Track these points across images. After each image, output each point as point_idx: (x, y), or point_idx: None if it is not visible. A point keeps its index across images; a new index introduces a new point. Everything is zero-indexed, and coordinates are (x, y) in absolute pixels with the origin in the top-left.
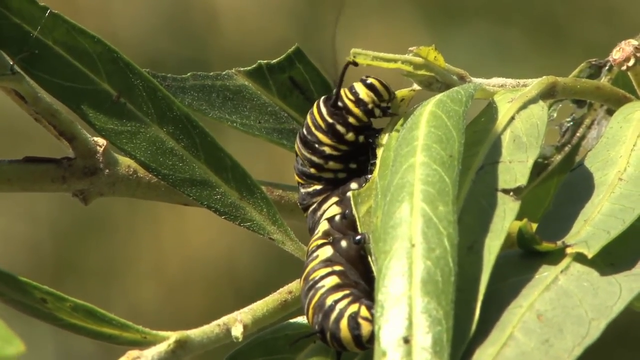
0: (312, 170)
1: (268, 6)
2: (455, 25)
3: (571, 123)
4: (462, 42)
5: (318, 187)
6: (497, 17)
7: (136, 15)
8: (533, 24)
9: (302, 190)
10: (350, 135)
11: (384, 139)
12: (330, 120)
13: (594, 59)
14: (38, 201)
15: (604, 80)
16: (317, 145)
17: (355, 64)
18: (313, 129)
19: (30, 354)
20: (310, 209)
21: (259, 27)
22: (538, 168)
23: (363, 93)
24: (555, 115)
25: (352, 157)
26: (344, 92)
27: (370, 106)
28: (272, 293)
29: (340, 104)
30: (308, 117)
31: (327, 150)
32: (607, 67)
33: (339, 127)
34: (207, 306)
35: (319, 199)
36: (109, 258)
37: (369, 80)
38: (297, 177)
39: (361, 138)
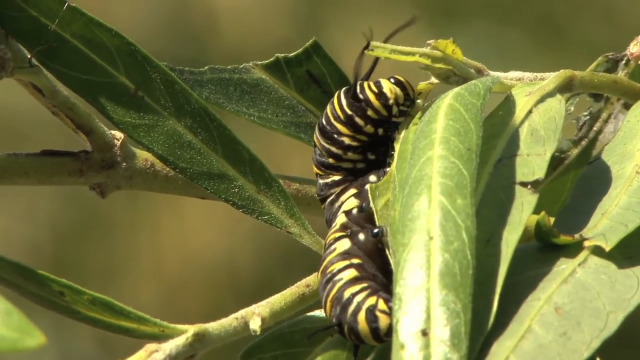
0: (331, 161)
1: (268, 7)
2: (456, 25)
3: (588, 117)
4: (462, 42)
5: (336, 177)
6: (498, 17)
7: (136, 16)
8: (533, 24)
9: (320, 181)
10: (368, 128)
11: (402, 132)
12: (349, 112)
13: (610, 53)
14: (38, 201)
15: (621, 74)
16: (336, 136)
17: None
18: (332, 119)
19: (31, 356)
20: (328, 200)
21: (259, 27)
22: (555, 162)
23: (387, 88)
24: (572, 109)
25: (371, 148)
26: (367, 85)
27: (390, 102)
28: (272, 294)
29: (361, 96)
30: (328, 107)
31: (346, 140)
32: (624, 61)
33: (358, 120)
34: (207, 307)
35: (337, 190)
36: (109, 259)
37: (394, 79)
38: (315, 168)
39: (380, 131)
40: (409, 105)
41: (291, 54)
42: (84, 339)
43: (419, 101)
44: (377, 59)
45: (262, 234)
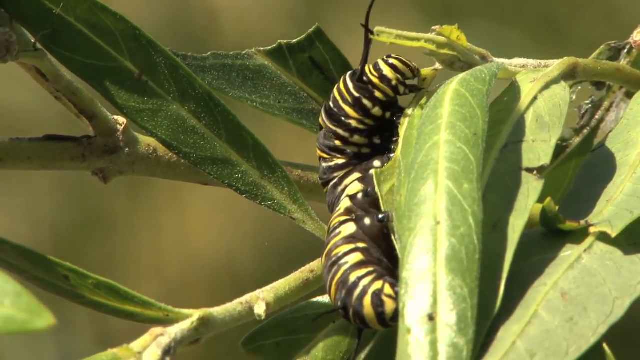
0: (337, 143)
1: (268, 7)
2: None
3: (590, 105)
4: None
5: (340, 161)
6: (498, 17)
7: (136, 15)
8: (533, 23)
9: (324, 165)
10: (376, 110)
11: (406, 117)
12: (356, 95)
13: (613, 42)
14: (38, 201)
15: (624, 62)
16: (343, 118)
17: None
18: (340, 102)
19: (30, 354)
20: (331, 184)
21: (259, 27)
22: (556, 150)
23: (386, 70)
24: (574, 97)
25: (377, 132)
26: (369, 69)
27: (394, 83)
28: None
29: (365, 79)
30: (335, 90)
31: (354, 123)
32: (626, 50)
33: (366, 102)
34: (207, 306)
35: (341, 173)
36: (110, 258)
37: (390, 60)
38: (319, 152)
39: (388, 114)
40: (412, 78)
41: (294, 40)
42: (84, 338)
43: (424, 85)
44: (369, 43)
45: (263, 233)
